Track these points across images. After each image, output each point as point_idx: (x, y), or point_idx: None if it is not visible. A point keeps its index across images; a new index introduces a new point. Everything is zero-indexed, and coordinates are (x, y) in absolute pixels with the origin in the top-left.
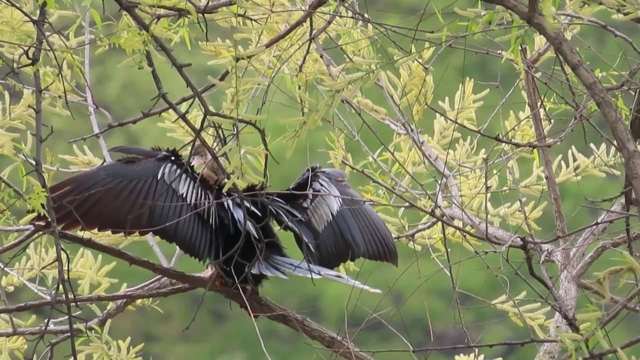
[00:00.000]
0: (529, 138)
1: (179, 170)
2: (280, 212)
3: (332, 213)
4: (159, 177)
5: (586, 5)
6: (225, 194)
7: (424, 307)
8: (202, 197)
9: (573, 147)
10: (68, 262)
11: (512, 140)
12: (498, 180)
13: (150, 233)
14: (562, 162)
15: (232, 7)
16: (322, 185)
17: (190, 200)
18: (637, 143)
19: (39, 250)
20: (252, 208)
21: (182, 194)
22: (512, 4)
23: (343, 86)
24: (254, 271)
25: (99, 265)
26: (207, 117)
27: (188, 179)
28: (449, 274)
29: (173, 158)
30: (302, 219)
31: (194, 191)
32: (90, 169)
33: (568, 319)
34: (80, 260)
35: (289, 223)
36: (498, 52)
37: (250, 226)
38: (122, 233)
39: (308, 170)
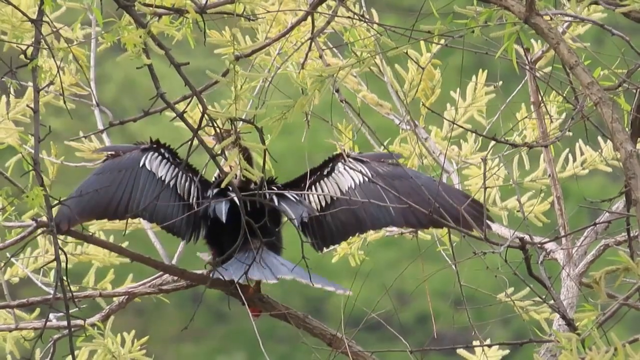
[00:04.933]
0: (536, 132)
1: (159, 157)
2: (272, 196)
3: (342, 190)
4: (140, 165)
5: (583, 5)
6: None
7: (425, 308)
8: (184, 179)
9: (580, 140)
10: (67, 262)
11: (514, 137)
12: (504, 174)
13: (134, 216)
14: (570, 156)
15: (232, 6)
16: (341, 167)
17: (169, 182)
18: (637, 143)
19: (44, 242)
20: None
21: (161, 177)
22: (510, 3)
23: (333, 72)
24: (270, 280)
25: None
26: (206, 114)
27: (168, 163)
28: (455, 269)
29: (155, 146)
30: (293, 198)
31: (173, 173)
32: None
33: (566, 318)
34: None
35: (275, 204)
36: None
37: (222, 210)
38: (108, 220)
39: (335, 155)
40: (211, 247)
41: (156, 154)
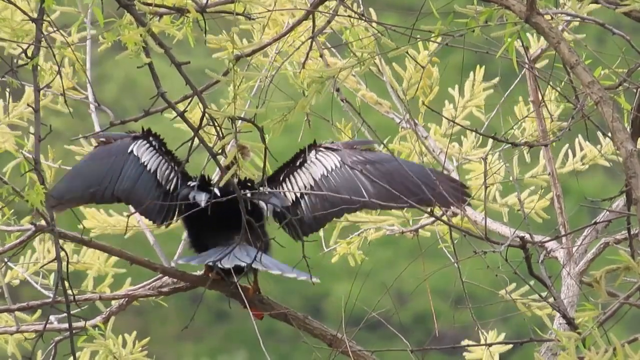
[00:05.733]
0: (534, 130)
1: (147, 144)
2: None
3: (315, 179)
4: (129, 151)
5: (584, 4)
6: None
7: (423, 307)
8: (166, 167)
9: (580, 136)
10: (67, 262)
11: (513, 130)
12: (504, 171)
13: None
14: (569, 151)
15: (232, 5)
16: (313, 157)
17: (150, 168)
18: (638, 142)
19: (44, 246)
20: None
21: (144, 162)
22: (510, 2)
23: (334, 73)
24: (226, 265)
25: (106, 256)
26: (206, 114)
27: (153, 150)
28: (457, 266)
29: (145, 134)
30: (266, 191)
31: (156, 160)
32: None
33: (567, 317)
34: (88, 252)
35: (248, 196)
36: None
37: (203, 198)
38: (96, 203)
39: (308, 145)
40: (196, 249)
41: (145, 142)
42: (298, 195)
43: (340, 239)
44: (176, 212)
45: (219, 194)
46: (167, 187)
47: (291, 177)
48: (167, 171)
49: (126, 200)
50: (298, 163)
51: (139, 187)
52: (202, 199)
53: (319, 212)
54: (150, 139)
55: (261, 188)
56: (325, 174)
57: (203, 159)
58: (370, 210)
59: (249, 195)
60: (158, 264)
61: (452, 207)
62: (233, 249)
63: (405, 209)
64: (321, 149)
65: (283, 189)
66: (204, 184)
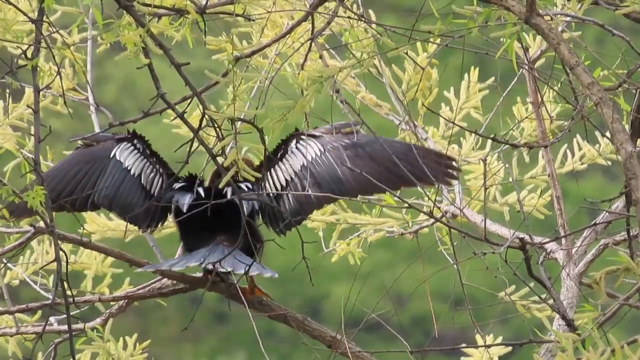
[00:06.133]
0: (533, 129)
1: (131, 147)
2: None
3: (295, 170)
4: (110, 156)
5: (584, 5)
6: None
7: (425, 308)
8: (150, 170)
9: (578, 135)
10: (67, 263)
11: (511, 130)
12: (503, 172)
13: (95, 206)
14: (568, 151)
15: (232, 6)
16: (294, 147)
17: (134, 172)
18: (637, 143)
19: (42, 246)
20: (199, 189)
21: (127, 167)
22: (510, 3)
23: (333, 73)
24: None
25: (104, 256)
26: (206, 115)
27: (138, 154)
28: (456, 268)
29: (130, 137)
30: (246, 188)
31: (140, 163)
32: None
33: (566, 319)
34: (85, 252)
35: (229, 196)
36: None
37: (185, 202)
38: (78, 211)
39: (289, 136)
40: (188, 252)
41: (128, 144)
42: (280, 189)
43: (340, 240)
44: (162, 217)
45: (203, 196)
46: (152, 191)
47: (272, 171)
48: (152, 174)
49: (109, 206)
50: (278, 156)
51: (122, 193)
52: (185, 202)
53: (300, 204)
54: (135, 141)
55: (244, 186)
56: (306, 164)
57: (202, 160)
58: (350, 199)
59: (229, 195)
60: None
61: (438, 184)
62: (188, 258)
63: (404, 208)
64: (302, 137)
65: (264, 184)
66: (190, 186)
